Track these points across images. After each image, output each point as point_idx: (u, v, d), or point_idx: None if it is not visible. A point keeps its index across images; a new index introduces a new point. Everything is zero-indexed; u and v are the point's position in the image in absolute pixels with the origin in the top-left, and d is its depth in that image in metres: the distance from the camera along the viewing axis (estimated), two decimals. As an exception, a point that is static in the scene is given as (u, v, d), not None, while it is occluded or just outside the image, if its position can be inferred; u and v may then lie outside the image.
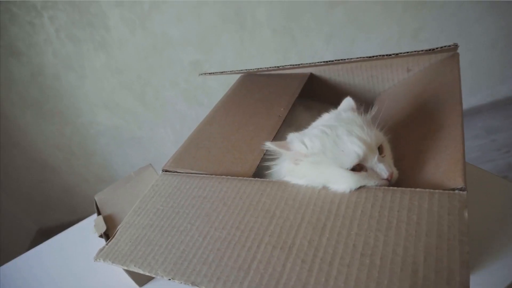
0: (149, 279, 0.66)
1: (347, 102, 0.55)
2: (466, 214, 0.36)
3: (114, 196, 0.75)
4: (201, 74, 0.77)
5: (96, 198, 0.76)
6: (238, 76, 0.83)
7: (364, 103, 0.58)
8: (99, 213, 0.72)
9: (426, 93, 0.59)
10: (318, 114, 0.72)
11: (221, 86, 1.72)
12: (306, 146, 0.47)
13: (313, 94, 0.78)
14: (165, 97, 1.77)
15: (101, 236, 0.66)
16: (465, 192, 0.38)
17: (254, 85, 0.78)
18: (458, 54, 0.62)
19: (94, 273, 0.71)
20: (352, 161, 0.45)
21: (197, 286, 0.40)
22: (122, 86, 1.73)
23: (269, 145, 0.49)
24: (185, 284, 0.41)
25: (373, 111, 0.51)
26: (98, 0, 1.44)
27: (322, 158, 0.46)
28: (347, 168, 0.45)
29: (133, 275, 0.64)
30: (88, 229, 0.82)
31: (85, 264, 0.74)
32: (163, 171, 0.61)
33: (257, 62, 1.68)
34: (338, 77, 0.75)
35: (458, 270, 0.32)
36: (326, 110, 0.64)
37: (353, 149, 0.45)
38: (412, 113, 0.58)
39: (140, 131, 1.88)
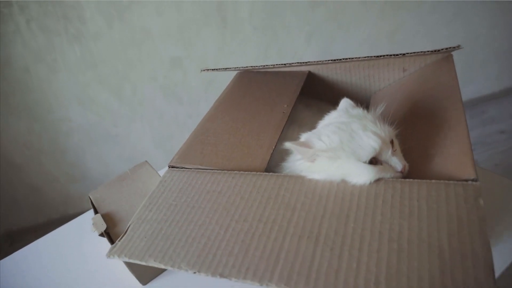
0: (152, 277, 0.65)
1: (346, 103, 0.58)
2: (481, 202, 0.39)
3: (110, 195, 0.73)
4: (203, 70, 0.76)
5: (91, 196, 0.73)
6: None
7: (360, 102, 0.60)
8: (96, 212, 0.69)
9: (425, 92, 0.63)
10: (318, 111, 0.74)
11: (201, 85, 1.70)
12: (324, 143, 0.49)
13: (311, 92, 0.80)
14: (144, 93, 1.73)
15: (101, 234, 0.64)
16: (478, 183, 0.41)
17: (252, 83, 0.79)
18: (451, 55, 0.66)
19: (94, 272, 0.69)
20: (370, 154, 0.47)
21: (226, 278, 0.40)
22: (97, 80, 1.67)
23: (290, 146, 0.49)
24: (212, 276, 0.41)
25: (381, 108, 0.54)
26: (74, -10, 1.39)
27: (340, 152, 0.47)
28: (364, 162, 0.47)
29: (137, 273, 0.62)
30: (82, 228, 0.80)
31: (83, 263, 0.71)
32: (169, 167, 0.60)
33: (238, 58, 1.68)
34: (335, 76, 0.78)
35: (482, 252, 0.35)
36: (325, 107, 0.66)
37: (370, 143, 0.47)
38: (413, 110, 0.61)
39: (116, 128, 1.82)
